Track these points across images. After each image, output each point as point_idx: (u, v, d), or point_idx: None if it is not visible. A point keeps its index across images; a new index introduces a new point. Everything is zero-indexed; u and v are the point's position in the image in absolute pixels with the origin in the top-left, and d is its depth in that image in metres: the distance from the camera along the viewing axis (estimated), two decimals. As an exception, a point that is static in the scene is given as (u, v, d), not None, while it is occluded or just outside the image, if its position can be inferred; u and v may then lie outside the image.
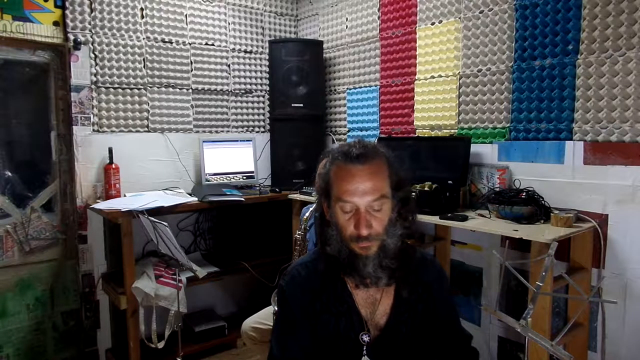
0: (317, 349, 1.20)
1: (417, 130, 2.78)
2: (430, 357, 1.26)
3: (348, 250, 1.14)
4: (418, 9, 2.73)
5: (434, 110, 2.68)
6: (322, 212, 1.22)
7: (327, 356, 1.20)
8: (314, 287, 1.21)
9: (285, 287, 1.24)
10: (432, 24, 2.65)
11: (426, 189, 2.25)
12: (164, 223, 2.17)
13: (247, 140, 3.27)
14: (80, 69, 2.68)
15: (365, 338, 1.18)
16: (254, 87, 3.45)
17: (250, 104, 3.45)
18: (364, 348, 1.18)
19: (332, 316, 1.19)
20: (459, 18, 2.52)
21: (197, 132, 3.18)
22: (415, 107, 2.78)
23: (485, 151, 2.43)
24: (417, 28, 2.74)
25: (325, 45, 3.34)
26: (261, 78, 3.47)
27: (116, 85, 2.82)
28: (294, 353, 1.19)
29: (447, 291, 1.34)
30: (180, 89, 3.09)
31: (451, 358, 1.28)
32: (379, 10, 2.97)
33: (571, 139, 2.10)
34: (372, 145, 1.17)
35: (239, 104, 3.39)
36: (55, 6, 2.59)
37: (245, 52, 3.38)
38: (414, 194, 1.23)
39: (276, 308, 2.05)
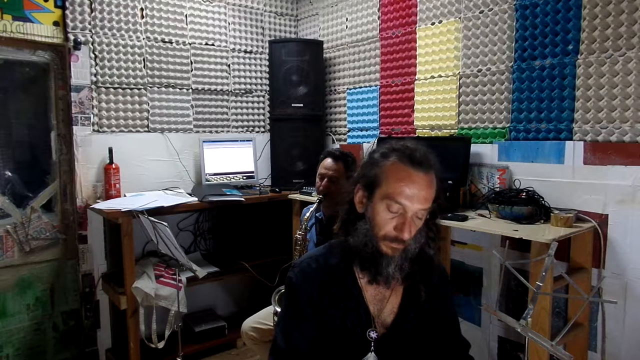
0: (324, 343, 1.20)
1: (417, 130, 2.78)
2: (431, 358, 1.26)
3: (375, 247, 1.14)
4: (418, 9, 2.73)
5: (434, 110, 2.68)
6: (352, 201, 1.20)
7: (333, 350, 1.21)
8: (324, 281, 1.21)
9: (294, 279, 1.24)
10: (432, 24, 2.65)
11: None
12: (164, 223, 2.17)
13: (247, 140, 3.27)
14: (80, 69, 2.68)
15: (373, 334, 1.19)
16: (254, 87, 3.45)
17: (250, 104, 3.45)
18: (372, 344, 1.19)
19: (340, 310, 1.20)
20: (459, 18, 2.52)
21: (197, 132, 3.18)
22: (415, 107, 2.78)
23: (485, 151, 2.43)
24: (417, 28, 2.74)
25: (325, 45, 3.34)
26: (261, 78, 3.47)
27: (116, 85, 2.82)
28: (298, 344, 1.19)
29: (451, 295, 1.35)
30: (180, 89, 3.09)
31: None
32: (379, 10, 2.97)
33: (571, 139, 2.10)
34: (432, 155, 1.18)
35: (239, 104, 3.39)
36: (55, 6, 2.59)
37: (245, 52, 3.38)
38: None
39: (276, 308, 2.07)
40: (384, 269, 1.14)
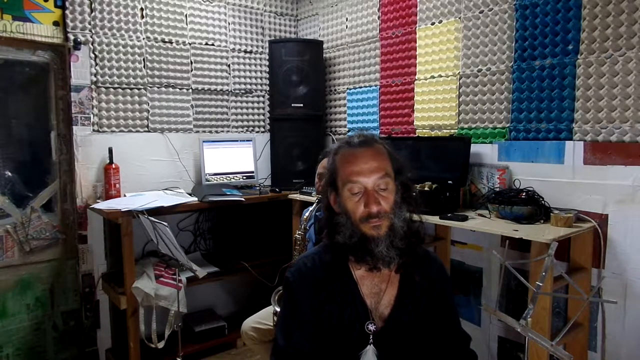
0: (323, 339, 1.22)
1: (417, 130, 2.78)
2: (430, 351, 1.27)
3: (359, 234, 1.17)
4: (418, 9, 2.73)
5: (434, 110, 2.68)
6: (329, 206, 1.26)
7: (332, 345, 1.22)
8: (319, 278, 1.23)
9: (291, 279, 1.26)
10: (432, 24, 2.65)
11: (426, 189, 2.25)
12: (164, 223, 2.17)
13: (247, 140, 3.27)
14: (80, 69, 2.68)
15: (371, 327, 1.21)
16: (254, 87, 3.45)
17: (250, 104, 3.45)
18: (370, 337, 1.20)
19: (337, 305, 1.22)
20: (459, 18, 2.52)
21: (197, 132, 3.18)
22: (415, 107, 2.78)
23: (485, 151, 2.43)
24: (417, 28, 2.74)
25: (325, 45, 3.34)
26: (261, 78, 3.47)
27: (116, 85, 2.82)
28: (298, 343, 1.21)
29: (450, 290, 1.36)
30: (180, 89, 3.09)
31: (450, 358, 1.29)
32: (379, 10, 2.97)
33: (571, 139, 2.10)
34: (371, 134, 1.27)
35: (239, 104, 3.39)
36: (55, 6, 2.59)
37: (245, 52, 3.38)
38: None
39: (276, 308, 2.07)
40: (374, 250, 1.17)
